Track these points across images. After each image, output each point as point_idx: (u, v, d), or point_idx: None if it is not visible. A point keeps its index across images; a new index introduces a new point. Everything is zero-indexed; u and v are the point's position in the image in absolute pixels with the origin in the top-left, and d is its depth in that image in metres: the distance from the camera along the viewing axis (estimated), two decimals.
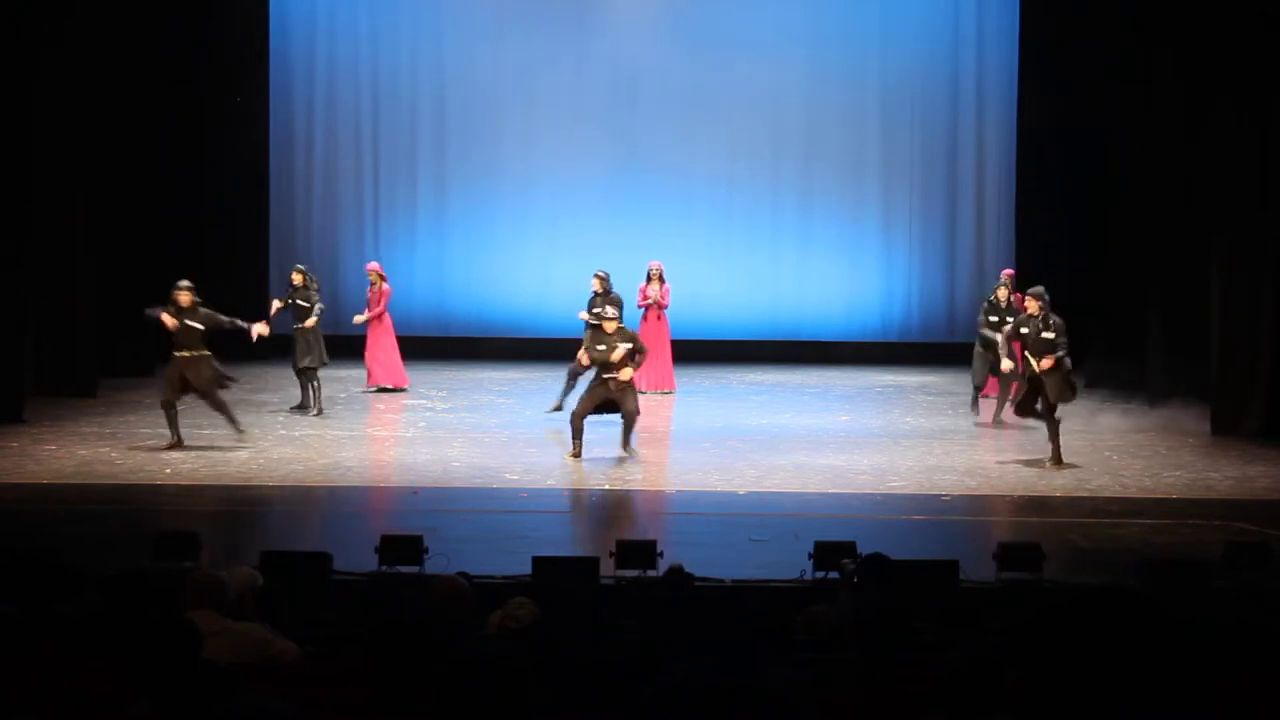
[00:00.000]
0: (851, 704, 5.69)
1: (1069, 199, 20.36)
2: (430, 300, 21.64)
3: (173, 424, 13.90)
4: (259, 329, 14.73)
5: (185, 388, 13.92)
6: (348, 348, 20.42)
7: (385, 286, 17.79)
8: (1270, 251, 15.27)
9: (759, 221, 21.73)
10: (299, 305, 16.34)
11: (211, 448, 13.95)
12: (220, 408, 14.02)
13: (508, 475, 12.93)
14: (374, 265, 18.15)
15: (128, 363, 17.67)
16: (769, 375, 19.86)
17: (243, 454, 13.74)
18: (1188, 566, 9.08)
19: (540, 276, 21.64)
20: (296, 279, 16.56)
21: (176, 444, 13.81)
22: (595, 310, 16.16)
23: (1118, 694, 2.98)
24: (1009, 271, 17.26)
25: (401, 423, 15.79)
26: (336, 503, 12.03)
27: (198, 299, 14.01)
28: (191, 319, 13.85)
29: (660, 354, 18.14)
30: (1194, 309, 16.31)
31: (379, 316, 17.69)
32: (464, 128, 21.77)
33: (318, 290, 16.58)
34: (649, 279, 18.19)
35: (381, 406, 16.71)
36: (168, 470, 13.06)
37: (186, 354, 13.87)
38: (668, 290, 18.20)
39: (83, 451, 13.76)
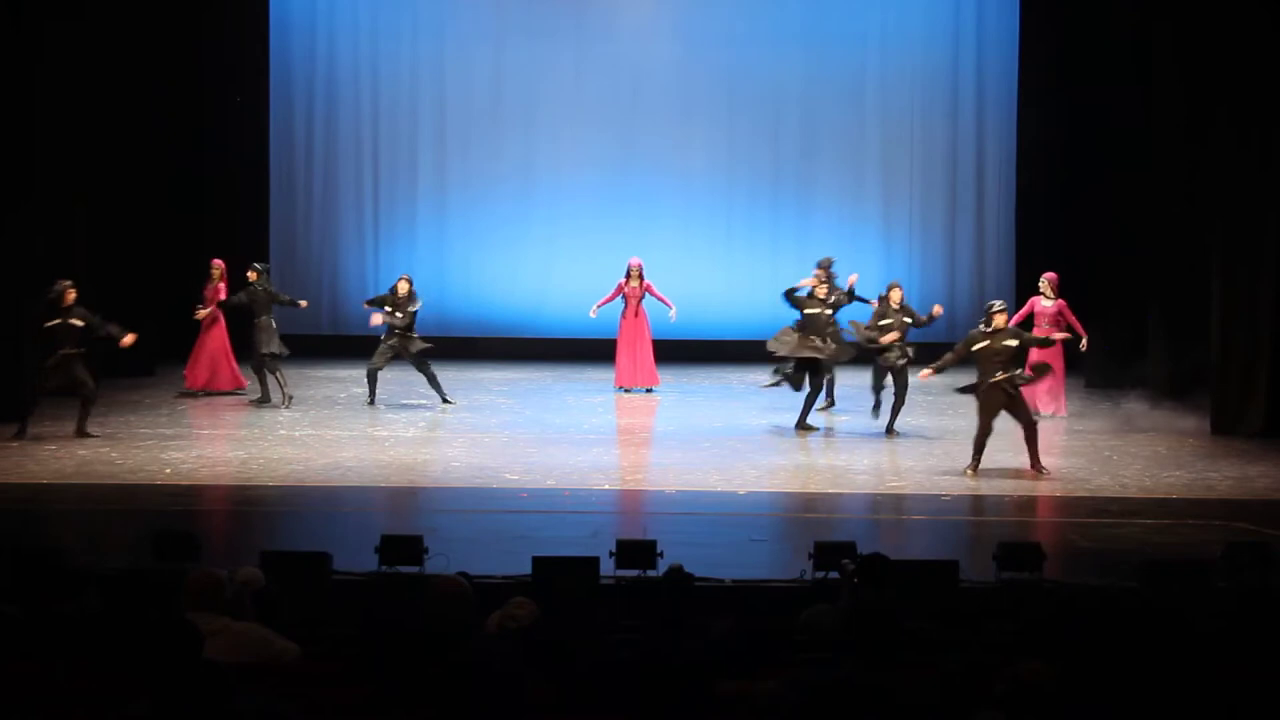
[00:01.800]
0: (851, 704, 5.68)
1: (1069, 199, 20.37)
2: (430, 300, 21.50)
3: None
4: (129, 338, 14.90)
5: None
6: (346, 347, 20.46)
7: (221, 285, 17.58)
8: (1270, 251, 15.29)
9: (759, 221, 21.73)
10: (260, 299, 16.71)
11: (213, 445, 13.98)
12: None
13: (508, 475, 12.93)
14: (219, 262, 17.80)
15: (128, 363, 17.65)
16: (769, 375, 19.84)
17: (242, 454, 13.75)
18: (1188, 566, 9.07)
19: (540, 276, 21.65)
20: (253, 275, 16.91)
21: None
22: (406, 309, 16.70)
23: (1118, 694, 2.99)
24: (1051, 275, 16.78)
25: (401, 423, 15.79)
26: (336, 503, 12.03)
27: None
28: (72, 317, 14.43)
29: (641, 350, 18.14)
30: (1194, 309, 16.32)
31: (214, 315, 17.53)
32: (464, 128, 21.77)
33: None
34: (628, 276, 18.17)
35: (382, 406, 16.71)
36: (168, 470, 13.06)
37: (72, 351, 14.40)
38: (650, 285, 18.15)
39: (83, 451, 13.76)
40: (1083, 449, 14.50)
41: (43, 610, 6.78)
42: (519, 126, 21.71)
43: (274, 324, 16.76)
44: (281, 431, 15.03)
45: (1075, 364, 17.97)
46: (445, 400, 16.66)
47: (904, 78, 21.62)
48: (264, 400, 16.60)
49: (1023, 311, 17.06)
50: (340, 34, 21.73)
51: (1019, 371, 13.30)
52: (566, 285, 20.80)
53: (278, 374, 16.62)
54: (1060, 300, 16.63)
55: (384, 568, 9.17)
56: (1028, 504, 12.39)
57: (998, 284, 21.44)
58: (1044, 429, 15.75)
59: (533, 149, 21.74)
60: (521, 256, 21.69)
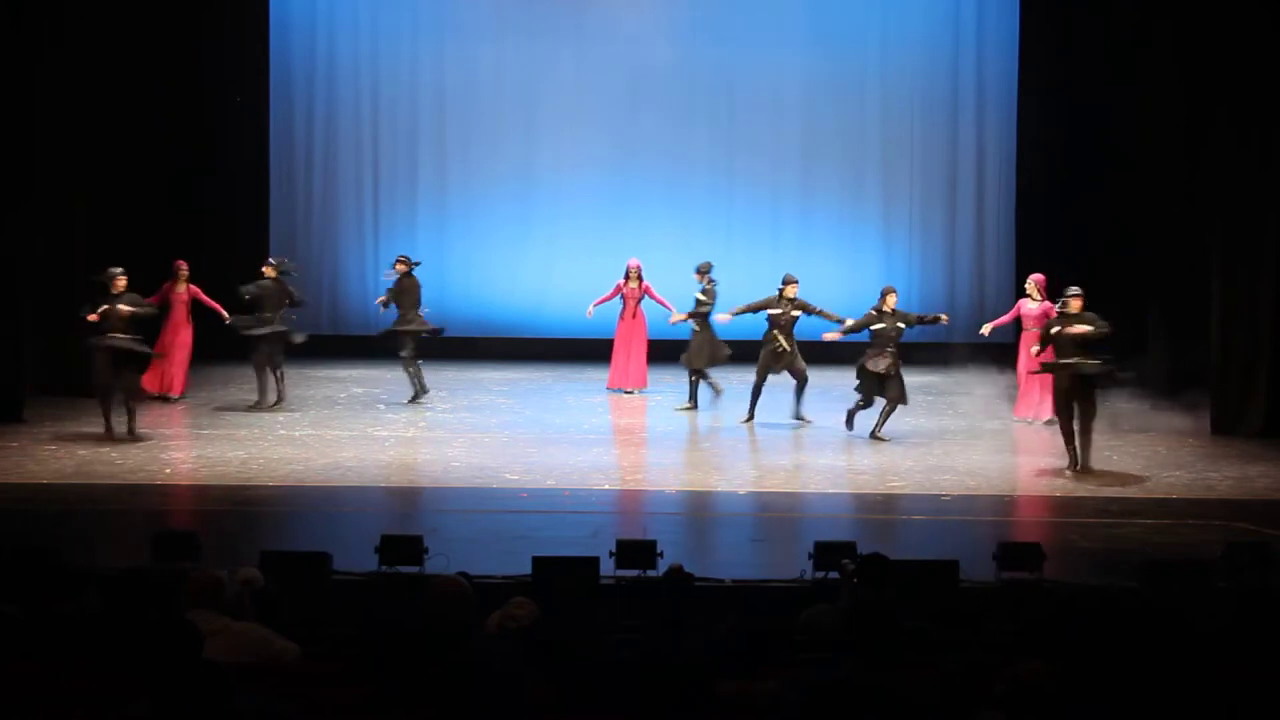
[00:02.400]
0: (851, 704, 5.68)
1: (1069, 199, 20.36)
2: (430, 300, 21.53)
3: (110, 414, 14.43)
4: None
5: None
6: (346, 347, 20.47)
7: (192, 287, 17.37)
8: (1270, 251, 15.29)
9: (759, 221, 21.71)
10: (271, 296, 16.48)
11: (212, 446, 13.98)
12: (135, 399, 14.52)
13: (508, 475, 12.94)
14: (183, 263, 17.52)
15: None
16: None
17: (242, 454, 13.75)
18: (1188, 566, 9.08)
19: (540, 276, 21.64)
20: (269, 271, 16.58)
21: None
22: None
23: (1118, 694, 2.99)
24: (1039, 277, 16.62)
25: (401, 423, 15.80)
26: (336, 503, 12.03)
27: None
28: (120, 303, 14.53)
29: (636, 352, 18.15)
30: (1194, 309, 16.32)
31: (185, 316, 17.29)
32: (464, 128, 21.77)
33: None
34: (627, 277, 18.17)
35: (382, 406, 16.72)
36: (168, 470, 13.06)
37: (122, 338, 14.42)
38: (649, 287, 18.16)
39: (83, 451, 13.76)
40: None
41: (43, 610, 6.78)
42: (519, 126, 21.70)
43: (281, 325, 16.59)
44: (281, 431, 15.02)
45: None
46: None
47: (904, 78, 21.60)
48: (259, 404, 16.31)
49: (1009, 314, 16.99)
50: (340, 34, 21.72)
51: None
52: (566, 285, 20.78)
53: (279, 374, 16.45)
54: (1047, 302, 16.45)
55: (384, 568, 9.17)
56: (1028, 504, 12.40)
57: (998, 284, 21.43)
58: (1044, 430, 15.78)
59: (533, 149, 21.73)
60: (521, 256, 21.68)
